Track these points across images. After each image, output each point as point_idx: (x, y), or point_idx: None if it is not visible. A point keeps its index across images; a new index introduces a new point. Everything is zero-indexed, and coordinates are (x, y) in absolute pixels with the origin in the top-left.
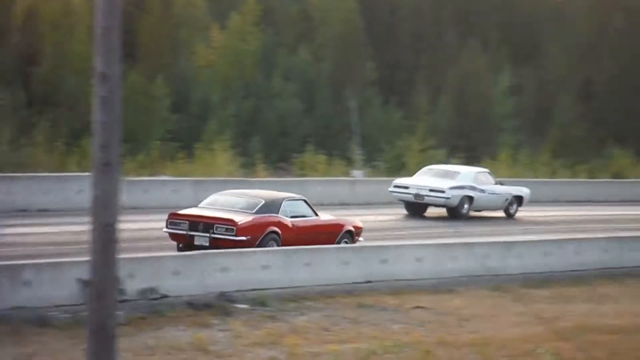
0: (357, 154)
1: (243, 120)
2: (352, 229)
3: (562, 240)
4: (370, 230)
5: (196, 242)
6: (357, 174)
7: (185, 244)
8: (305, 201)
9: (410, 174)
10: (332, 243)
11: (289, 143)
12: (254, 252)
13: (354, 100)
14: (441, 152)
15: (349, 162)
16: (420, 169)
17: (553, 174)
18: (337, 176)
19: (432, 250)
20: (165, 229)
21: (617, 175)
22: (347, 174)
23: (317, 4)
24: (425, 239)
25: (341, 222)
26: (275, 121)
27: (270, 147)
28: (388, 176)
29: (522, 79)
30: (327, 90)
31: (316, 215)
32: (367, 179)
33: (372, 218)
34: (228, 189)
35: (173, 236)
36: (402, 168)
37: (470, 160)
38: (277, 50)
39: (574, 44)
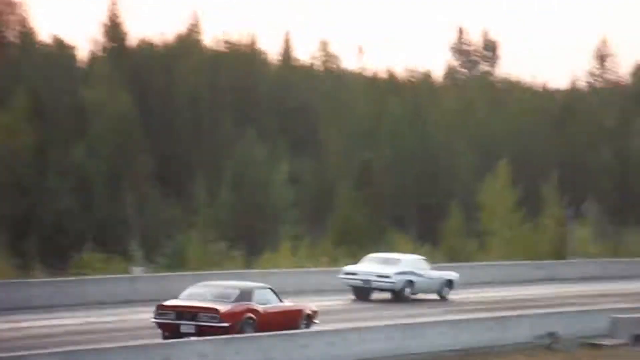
0: (136, 250)
1: (17, 219)
2: (311, 312)
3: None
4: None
5: (183, 330)
6: (137, 270)
7: (172, 332)
8: (272, 289)
9: (192, 268)
10: (296, 326)
11: (66, 241)
12: None
13: (131, 195)
14: (222, 244)
15: (129, 259)
16: (202, 262)
17: (335, 262)
18: (116, 274)
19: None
20: (153, 319)
21: None
22: (126, 271)
23: (90, 97)
24: None
25: (301, 307)
26: (51, 219)
27: (47, 247)
28: (169, 271)
29: (301, 167)
30: (103, 185)
31: (281, 301)
32: (148, 275)
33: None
34: None
35: (161, 325)
36: (183, 264)
37: (250, 253)
38: (50, 145)
39: (352, 131)
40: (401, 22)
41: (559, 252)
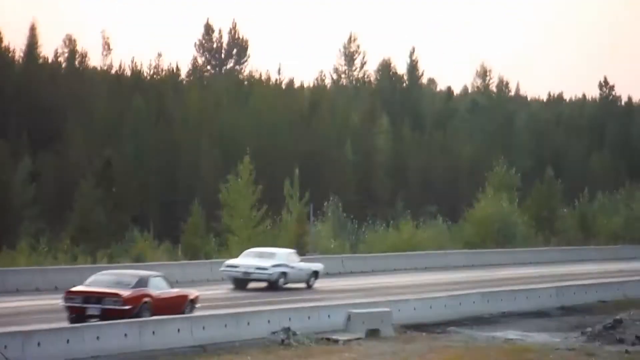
0: None
1: None
2: (194, 298)
3: None
4: None
5: (88, 313)
6: None
7: (78, 314)
8: (164, 277)
9: None
10: (182, 310)
11: None
12: None
13: None
14: None
15: None
16: None
17: (75, 260)
18: None
19: None
20: (62, 303)
21: (138, 259)
22: None
23: None
24: None
25: (186, 293)
26: None
27: None
28: None
29: (44, 164)
30: None
31: (172, 288)
32: None
33: None
34: None
35: (69, 308)
36: None
37: None
38: None
39: (95, 128)
40: (149, 18)
41: (299, 249)
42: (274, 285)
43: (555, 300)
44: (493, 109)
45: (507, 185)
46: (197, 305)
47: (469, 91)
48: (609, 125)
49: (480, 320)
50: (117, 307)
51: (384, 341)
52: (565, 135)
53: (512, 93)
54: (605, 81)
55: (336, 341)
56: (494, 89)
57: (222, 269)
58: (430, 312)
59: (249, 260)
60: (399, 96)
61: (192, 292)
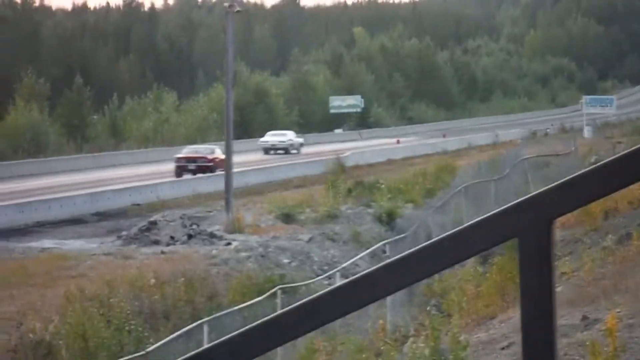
0: None
1: None
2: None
3: None
4: None
5: (189, 168)
6: None
7: (182, 169)
8: (220, 148)
9: None
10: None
11: None
12: None
13: None
14: None
15: None
16: None
17: None
18: None
19: None
20: (174, 163)
21: None
22: None
23: None
24: None
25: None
26: None
27: None
28: None
29: None
30: None
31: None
32: None
33: None
34: None
35: (178, 167)
36: None
37: None
38: None
39: None
40: None
41: None
42: (287, 152)
43: (90, 207)
44: (18, 21)
45: (36, 95)
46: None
47: None
48: (134, 31)
49: (15, 231)
50: (205, 164)
51: None
52: (91, 43)
53: (37, 4)
54: None
55: None
56: (18, 1)
57: (259, 142)
58: None
59: (274, 137)
60: None
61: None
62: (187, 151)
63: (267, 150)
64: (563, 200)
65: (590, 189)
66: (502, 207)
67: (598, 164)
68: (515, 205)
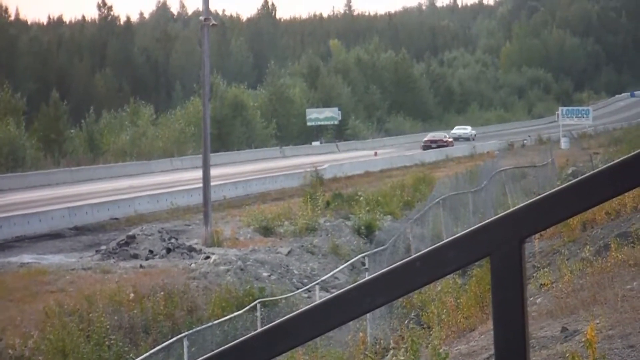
0: None
1: None
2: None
3: None
4: None
5: (432, 147)
6: None
7: (427, 147)
8: (447, 133)
9: None
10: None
11: None
12: None
13: None
14: None
15: None
16: None
17: None
18: None
19: None
20: (422, 144)
21: None
22: None
23: None
24: None
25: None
26: None
27: None
28: None
29: None
30: None
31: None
32: None
33: None
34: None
35: (424, 147)
36: None
37: None
38: None
39: None
40: None
41: None
42: (468, 140)
43: (69, 221)
44: None
45: (12, 109)
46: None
47: None
48: (110, 45)
49: None
50: (443, 144)
51: None
52: (67, 57)
53: (12, 18)
54: (104, 2)
55: None
56: None
57: (451, 132)
58: None
59: (457, 131)
60: None
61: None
62: (429, 136)
63: (426, 147)
64: (533, 219)
65: (560, 209)
66: (474, 227)
67: (567, 183)
68: (487, 225)
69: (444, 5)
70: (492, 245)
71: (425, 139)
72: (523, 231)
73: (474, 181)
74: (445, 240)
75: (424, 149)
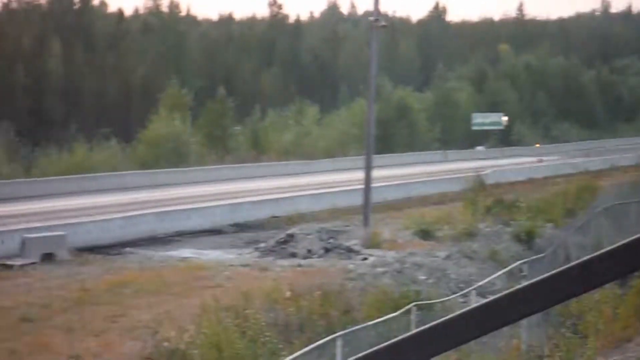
0: None
1: None
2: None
3: None
4: None
5: None
6: None
7: None
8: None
9: None
10: None
11: None
12: None
13: None
14: None
15: None
16: None
17: None
18: None
19: None
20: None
21: None
22: None
23: None
24: None
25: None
26: None
27: None
28: None
29: None
30: None
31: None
32: None
33: None
34: None
35: None
36: None
37: None
38: None
39: None
40: None
41: None
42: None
43: (229, 218)
44: (164, 30)
45: (179, 105)
46: None
47: (140, 12)
48: (279, 43)
49: (155, 240)
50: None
51: (59, 265)
52: (236, 54)
53: (184, 14)
54: (275, 0)
55: (10, 266)
56: (166, 10)
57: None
58: (106, 234)
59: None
60: (71, 19)
61: None
62: None
63: None
64: None
65: None
66: (634, 236)
67: None
68: None
69: (618, 10)
70: None
71: None
72: None
73: (639, 192)
74: (604, 250)
75: None
